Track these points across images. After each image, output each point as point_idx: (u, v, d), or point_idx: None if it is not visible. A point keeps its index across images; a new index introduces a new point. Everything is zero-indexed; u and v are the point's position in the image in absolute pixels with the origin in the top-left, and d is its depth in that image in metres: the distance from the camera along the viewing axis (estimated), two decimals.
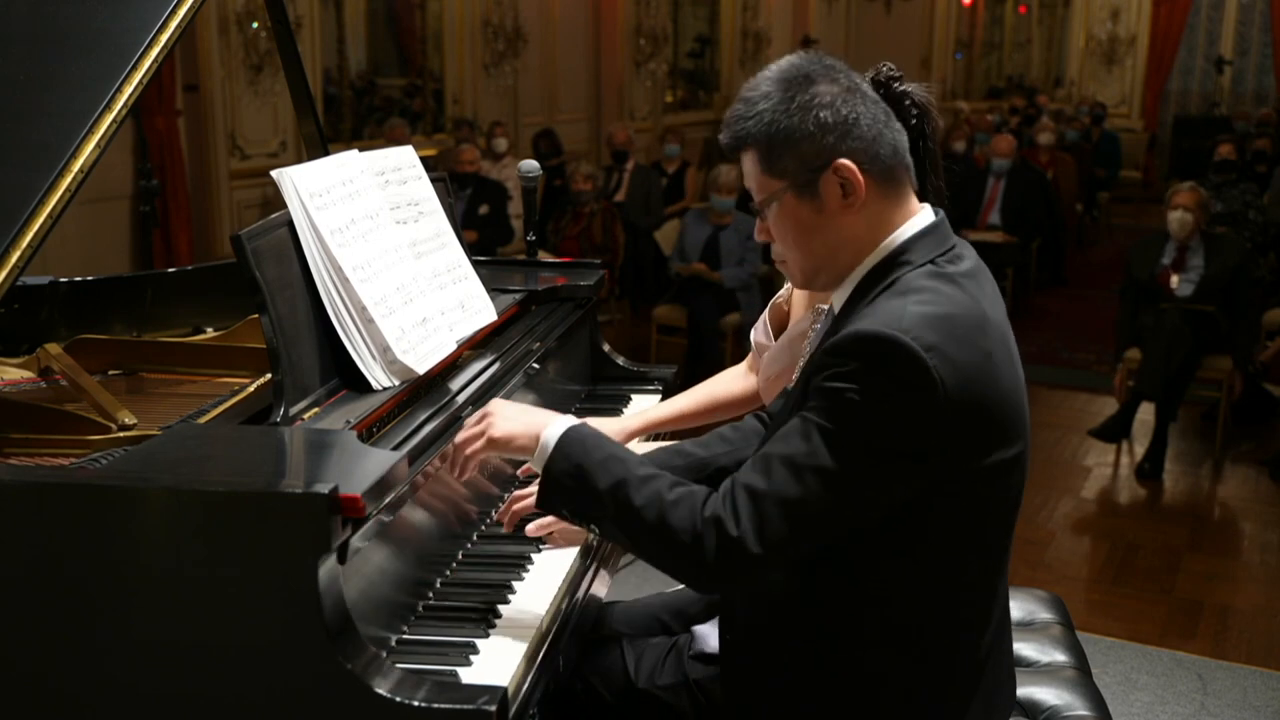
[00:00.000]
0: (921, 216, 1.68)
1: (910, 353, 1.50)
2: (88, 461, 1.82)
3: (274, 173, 1.90)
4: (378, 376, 1.91)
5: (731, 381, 2.49)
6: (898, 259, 1.64)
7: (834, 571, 1.64)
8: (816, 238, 1.66)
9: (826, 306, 2.11)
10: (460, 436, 1.80)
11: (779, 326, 2.37)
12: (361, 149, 2.18)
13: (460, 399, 2.00)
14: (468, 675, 1.60)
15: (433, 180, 2.33)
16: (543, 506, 1.73)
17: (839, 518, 1.57)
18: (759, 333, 2.39)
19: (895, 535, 1.61)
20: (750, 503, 1.55)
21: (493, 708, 1.42)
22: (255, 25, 7.31)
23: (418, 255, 2.15)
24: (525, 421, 1.73)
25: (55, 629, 1.48)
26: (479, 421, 1.78)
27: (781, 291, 2.37)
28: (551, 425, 1.70)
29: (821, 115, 1.60)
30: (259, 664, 1.45)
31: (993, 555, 1.69)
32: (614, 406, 2.71)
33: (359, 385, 1.90)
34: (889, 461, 1.54)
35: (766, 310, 2.39)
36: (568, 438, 1.68)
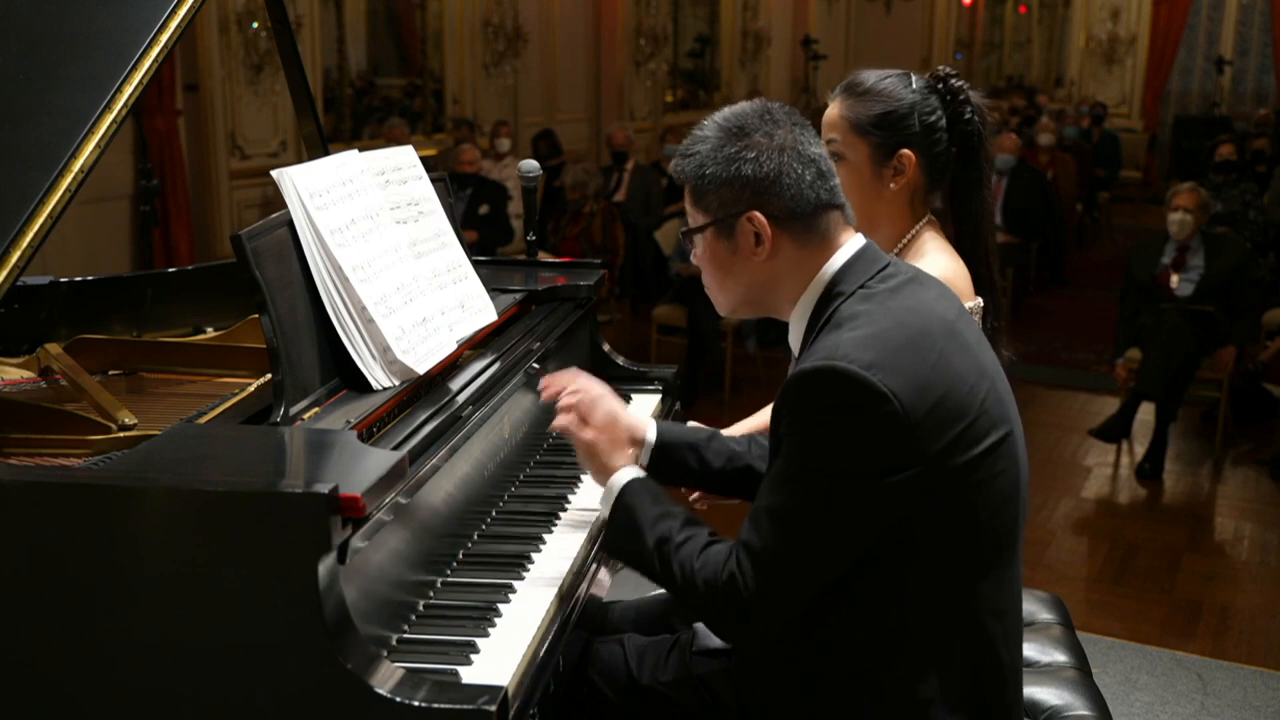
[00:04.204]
0: (848, 247, 1.75)
1: (850, 375, 1.56)
2: (90, 465, 1.82)
3: (274, 173, 1.90)
4: (378, 376, 1.91)
5: None
6: (831, 291, 1.72)
7: (836, 586, 1.65)
8: (731, 276, 1.78)
9: None
10: (565, 400, 1.94)
11: None
12: (361, 149, 2.18)
13: (460, 399, 2.00)
14: (468, 675, 1.60)
15: (433, 180, 2.33)
16: (604, 547, 1.88)
17: (834, 551, 1.62)
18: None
19: (894, 542, 1.62)
20: (749, 559, 1.63)
21: (493, 707, 1.42)
22: (255, 25, 7.31)
23: (418, 255, 2.15)
24: (607, 454, 1.88)
25: (55, 629, 1.48)
26: (578, 406, 1.91)
27: None
28: (621, 472, 1.85)
29: (744, 170, 1.71)
30: (259, 664, 1.45)
31: (999, 547, 1.69)
32: None
33: (359, 385, 1.90)
34: (865, 483, 1.58)
35: None
36: (631, 488, 1.82)
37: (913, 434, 1.56)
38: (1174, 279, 5.83)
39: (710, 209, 1.75)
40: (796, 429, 1.61)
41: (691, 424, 2.23)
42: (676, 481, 2.06)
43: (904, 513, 1.60)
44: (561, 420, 1.93)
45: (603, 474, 1.87)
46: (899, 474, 1.57)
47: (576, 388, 1.95)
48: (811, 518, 1.60)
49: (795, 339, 1.79)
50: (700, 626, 1.96)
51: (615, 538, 1.82)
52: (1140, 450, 5.76)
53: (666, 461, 2.02)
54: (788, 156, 1.71)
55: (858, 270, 1.72)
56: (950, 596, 1.65)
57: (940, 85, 2.16)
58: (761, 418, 2.54)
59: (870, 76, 2.14)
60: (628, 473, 1.85)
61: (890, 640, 1.66)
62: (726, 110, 1.78)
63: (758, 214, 1.71)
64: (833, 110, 2.14)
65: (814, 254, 1.74)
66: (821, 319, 1.70)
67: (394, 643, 1.67)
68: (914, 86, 2.13)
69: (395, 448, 1.73)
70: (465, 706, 1.42)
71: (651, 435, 2.01)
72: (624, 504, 1.80)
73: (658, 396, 2.80)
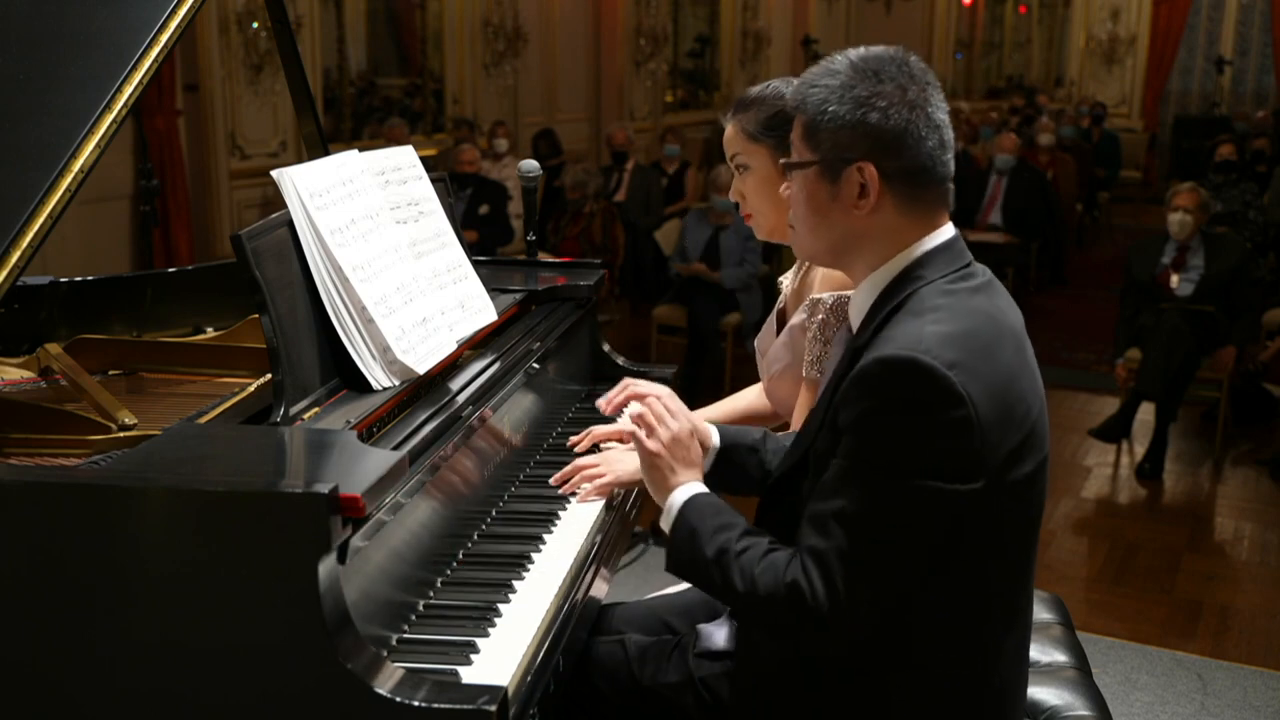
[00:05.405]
0: (942, 231, 1.68)
1: (934, 372, 1.50)
2: (89, 464, 1.82)
3: (274, 173, 1.90)
4: (378, 376, 1.91)
5: (758, 396, 2.53)
6: (912, 274, 1.65)
7: None
8: (824, 222, 1.69)
9: (821, 297, 2.13)
10: (636, 409, 1.87)
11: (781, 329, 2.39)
12: (361, 149, 2.18)
13: (460, 399, 2.00)
14: (468, 675, 1.60)
15: (433, 180, 2.33)
16: (668, 569, 1.78)
17: (908, 555, 1.56)
18: (761, 339, 2.41)
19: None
20: (817, 565, 1.56)
21: (493, 708, 1.42)
22: (255, 25, 7.31)
23: (418, 255, 2.15)
24: (670, 471, 1.81)
25: (55, 629, 1.48)
26: (644, 417, 1.84)
27: (781, 297, 2.39)
28: (681, 489, 1.78)
29: (870, 117, 1.62)
30: (259, 664, 1.45)
31: (1016, 568, 1.67)
32: None
33: (359, 385, 1.90)
34: (936, 485, 1.52)
35: (772, 315, 2.42)
36: (693, 505, 1.75)
37: (982, 442, 1.52)
38: (1174, 279, 5.83)
39: (821, 147, 1.65)
40: (867, 421, 1.54)
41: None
42: (736, 487, 1.98)
43: (958, 520, 1.55)
44: (629, 428, 1.87)
45: (662, 491, 1.80)
46: (965, 481, 1.52)
47: (648, 400, 1.87)
48: (881, 518, 1.53)
49: (857, 311, 1.72)
50: (703, 628, 1.96)
51: (678, 555, 1.73)
52: (1140, 450, 5.76)
53: (729, 466, 1.96)
54: (916, 115, 1.62)
55: (943, 260, 1.66)
56: (964, 605, 1.63)
57: None
58: (736, 401, 2.56)
59: (752, 90, 2.22)
60: (688, 490, 1.77)
61: (897, 647, 1.64)
62: (863, 49, 1.68)
63: (870, 166, 1.62)
64: (729, 130, 2.21)
65: (911, 224, 1.66)
66: (894, 299, 1.64)
67: (394, 643, 1.67)
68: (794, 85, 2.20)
69: (395, 448, 1.73)
70: (465, 706, 1.42)
71: (716, 441, 1.95)
72: (686, 523, 1.73)
73: None
